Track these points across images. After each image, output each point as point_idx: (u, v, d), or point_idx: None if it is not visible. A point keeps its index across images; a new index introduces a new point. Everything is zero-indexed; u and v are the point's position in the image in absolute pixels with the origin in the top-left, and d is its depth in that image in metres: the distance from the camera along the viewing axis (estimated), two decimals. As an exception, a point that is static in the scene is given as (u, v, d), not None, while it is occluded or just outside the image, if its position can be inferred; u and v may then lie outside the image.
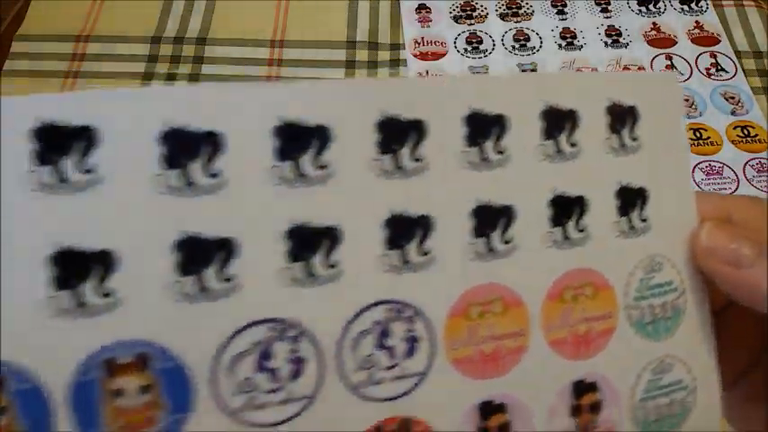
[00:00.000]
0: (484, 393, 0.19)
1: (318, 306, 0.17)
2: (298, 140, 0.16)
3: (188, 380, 0.16)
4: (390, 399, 0.18)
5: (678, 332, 0.22)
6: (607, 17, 0.50)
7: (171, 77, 0.46)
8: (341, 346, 0.17)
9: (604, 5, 0.51)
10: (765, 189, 0.48)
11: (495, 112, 0.18)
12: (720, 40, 0.56)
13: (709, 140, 0.51)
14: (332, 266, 0.17)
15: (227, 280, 0.16)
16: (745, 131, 0.52)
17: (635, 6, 0.55)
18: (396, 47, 0.48)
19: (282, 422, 0.17)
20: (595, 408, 0.20)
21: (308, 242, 0.17)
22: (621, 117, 0.21)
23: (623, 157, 0.21)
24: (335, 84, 0.19)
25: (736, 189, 0.48)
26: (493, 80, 0.21)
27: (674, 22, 0.56)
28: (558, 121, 0.19)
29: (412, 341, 0.18)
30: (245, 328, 0.16)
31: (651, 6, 0.57)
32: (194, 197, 0.16)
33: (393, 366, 0.18)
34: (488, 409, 0.19)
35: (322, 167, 0.17)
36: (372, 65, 0.47)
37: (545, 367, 0.19)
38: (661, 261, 0.22)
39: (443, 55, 0.47)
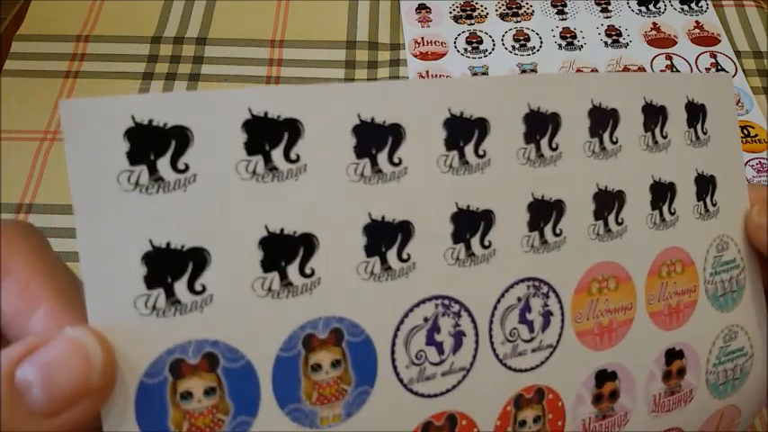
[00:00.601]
0: (599, 363, 0.22)
1: (475, 284, 0.19)
2: (464, 131, 0.19)
3: (372, 352, 0.18)
4: (530, 369, 0.20)
5: (741, 303, 0.27)
6: (607, 17, 0.54)
7: (171, 77, 0.46)
8: (492, 319, 0.19)
9: (604, 5, 0.55)
10: None
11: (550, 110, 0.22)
12: (720, 40, 0.58)
13: None
14: (486, 247, 0.19)
15: (405, 260, 0.18)
16: (745, 131, 0.53)
17: (635, 6, 0.58)
18: (396, 47, 0.51)
19: (443, 393, 0.19)
20: (681, 373, 0.24)
21: (469, 224, 0.19)
22: (697, 112, 0.25)
23: (701, 147, 0.25)
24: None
25: None
26: (547, 78, 0.24)
27: (674, 22, 0.58)
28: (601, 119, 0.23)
29: (547, 315, 0.20)
30: (418, 304, 0.18)
31: (651, 6, 0.59)
32: (380, 184, 0.18)
33: (532, 339, 0.20)
34: (603, 377, 0.22)
35: (480, 156, 0.19)
36: (372, 65, 0.49)
37: (646, 338, 0.23)
38: (727, 241, 0.26)
39: (443, 55, 0.50)
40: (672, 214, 0.24)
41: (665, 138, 0.24)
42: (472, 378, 0.20)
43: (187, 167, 0.17)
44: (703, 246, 0.25)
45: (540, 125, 0.21)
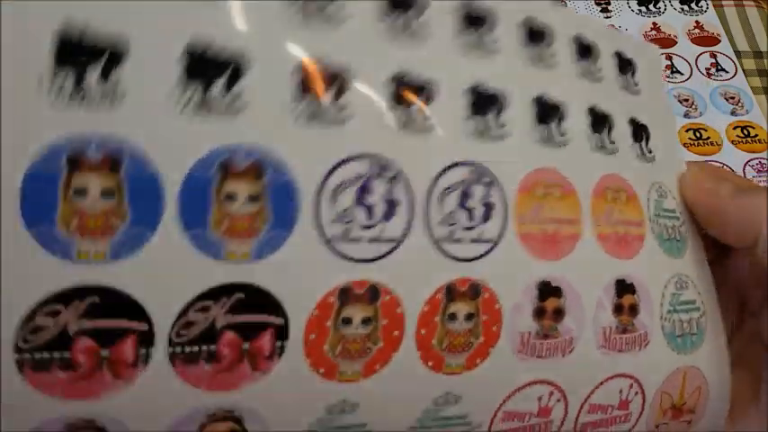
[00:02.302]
0: (543, 273, 0.22)
1: (414, 153, 0.20)
2: None
3: (295, 198, 0.18)
4: (466, 260, 0.21)
5: (686, 256, 0.28)
6: (607, 17, 0.57)
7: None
8: (429, 195, 0.20)
9: (604, 5, 0.58)
10: None
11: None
12: (720, 40, 0.62)
13: (708, 140, 0.56)
14: (427, 118, 0.20)
15: (342, 109, 0.19)
16: (745, 131, 0.57)
17: (635, 6, 0.62)
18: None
19: (369, 260, 0.19)
20: (633, 310, 0.24)
21: (411, 89, 0.20)
22: (626, 64, 0.28)
23: (633, 96, 0.28)
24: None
25: None
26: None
27: (674, 22, 0.62)
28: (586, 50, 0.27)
29: (489, 207, 0.21)
30: (351, 158, 0.19)
31: (651, 6, 0.63)
32: (320, 24, 0.19)
33: (472, 228, 0.21)
34: (546, 289, 0.23)
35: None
36: None
37: (594, 259, 0.24)
38: (665, 190, 0.28)
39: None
40: (612, 143, 0.26)
41: (599, 71, 0.26)
42: (403, 252, 0.21)
43: None
44: (644, 185, 0.27)
45: (477, 20, 0.23)
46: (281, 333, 0.20)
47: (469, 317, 0.22)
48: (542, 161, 0.24)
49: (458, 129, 0.22)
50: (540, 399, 0.25)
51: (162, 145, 0.18)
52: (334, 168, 0.20)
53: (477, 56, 0.23)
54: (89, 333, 0.18)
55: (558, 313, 0.24)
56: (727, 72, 0.60)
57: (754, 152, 0.56)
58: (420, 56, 0.22)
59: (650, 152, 0.28)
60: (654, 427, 0.27)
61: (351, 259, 0.20)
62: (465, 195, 0.22)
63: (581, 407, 0.25)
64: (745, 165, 0.55)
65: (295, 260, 0.20)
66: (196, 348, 0.19)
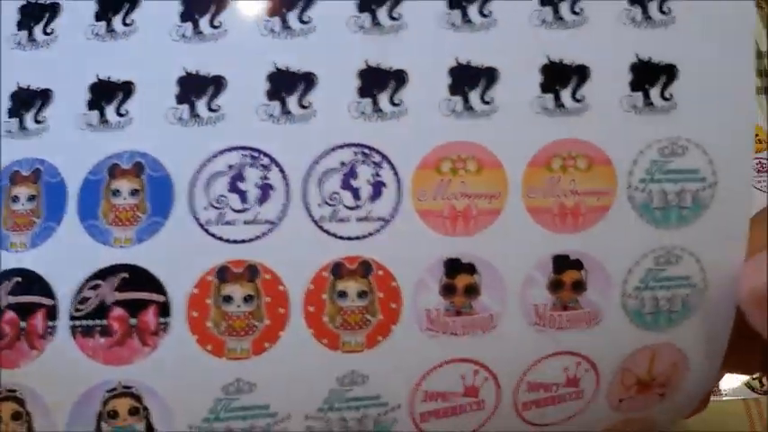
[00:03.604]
0: (451, 250, 0.23)
1: (289, 141, 0.23)
2: None
3: (170, 189, 0.23)
4: (353, 238, 0.23)
5: (696, 224, 0.26)
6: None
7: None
8: (307, 179, 0.23)
9: None
10: (765, 189, 0.54)
11: None
12: None
13: None
14: (305, 107, 0.23)
15: (214, 110, 0.23)
16: None
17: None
18: None
19: (246, 241, 0.23)
20: (578, 286, 0.24)
21: (286, 83, 0.23)
22: None
23: (641, 29, 0.26)
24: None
25: None
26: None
27: None
28: None
29: (378, 186, 0.23)
30: (223, 151, 0.23)
31: None
32: (200, 42, 0.23)
33: (357, 207, 0.23)
34: (455, 266, 0.24)
35: (305, 22, 0.23)
36: None
37: (522, 234, 0.24)
38: (686, 145, 0.25)
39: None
40: (577, 101, 0.25)
41: (576, 13, 0.26)
42: (279, 232, 0.24)
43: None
44: (633, 145, 0.25)
45: None
46: (164, 310, 0.24)
47: (362, 294, 0.25)
48: (454, 135, 0.25)
49: (342, 113, 0.25)
50: (463, 377, 0.25)
51: (69, 157, 0.24)
52: (207, 161, 0.24)
53: (377, 33, 0.25)
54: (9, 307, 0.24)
55: (472, 290, 0.25)
56: None
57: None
58: (302, 46, 0.25)
59: (667, 99, 0.25)
60: (618, 402, 0.26)
61: (227, 241, 0.24)
62: (349, 176, 0.25)
63: (517, 385, 0.25)
64: None
65: (172, 243, 0.24)
66: (91, 322, 0.24)
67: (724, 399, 0.48)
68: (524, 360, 0.25)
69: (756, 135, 0.57)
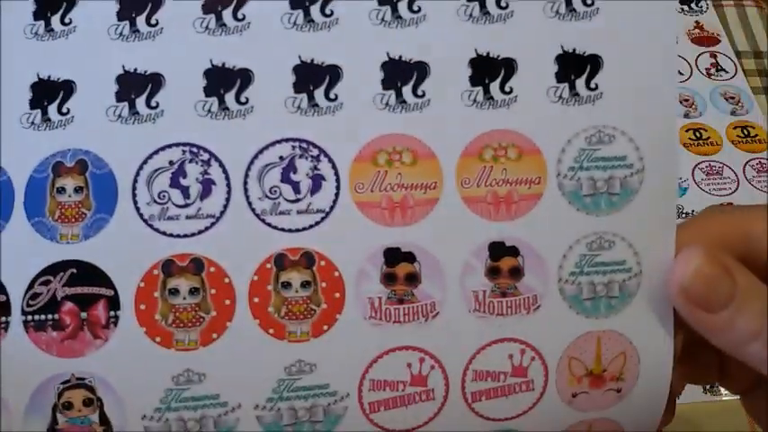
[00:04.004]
0: (390, 240, 0.25)
1: (228, 137, 0.24)
2: None
3: (114, 186, 0.24)
4: (294, 230, 0.25)
5: (626, 210, 0.27)
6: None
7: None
8: (247, 174, 0.24)
9: None
10: (765, 189, 0.58)
11: None
12: (720, 40, 0.68)
13: (709, 140, 0.61)
14: (242, 103, 0.24)
15: (153, 107, 0.24)
16: (745, 131, 0.62)
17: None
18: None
19: (189, 235, 0.24)
20: (515, 273, 0.25)
21: (223, 80, 0.24)
22: None
23: (567, 21, 0.27)
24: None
25: (737, 189, 0.59)
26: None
27: None
28: None
29: (318, 179, 0.24)
30: (162, 148, 0.24)
31: None
32: (136, 41, 0.24)
33: (298, 200, 0.24)
34: (395, 255, 0.25)
35: (239, 20, 0.24)
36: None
37: (459, 223, 0.25)
38: (612, 134, 0.27)
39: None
40: (506, 93, 0.27)
41: (503, 8, 0.27)
42: (222, 226, 0.26)
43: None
44: (561, 134, 0.27)
45: None
46: (114, 304, 0.25)
47: (306, 284, 0.26)
48: (388, 127, 0.26)
49: (278, 108, 0.26)
50: (409, 366, 0.27)
51: (14, 156, 0.25)
52: (148, 158, 0.26)
53: (308, 30, 0.27)
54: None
55: (412, 278, 0.26)
56: (727, 72, 0.66)
57: (754, 152, 0.61)
58: (238, 44, 0.26)
59: (593, 89, 0.27)
60: (571, 396, 0.28)
61: (170, 235, 0.26)
62: (288, 170, 0.26)
63: (463, 374, 0.27)
64: (745, 165, 0.60)
65: (116, 239, 0.25)
66: (43, 317, 0.25)
67: (724, 399, 0.49)
68: (468, 347, 0.27)
69: (756, 135, 0.61)
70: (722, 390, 0.49)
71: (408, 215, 0.27)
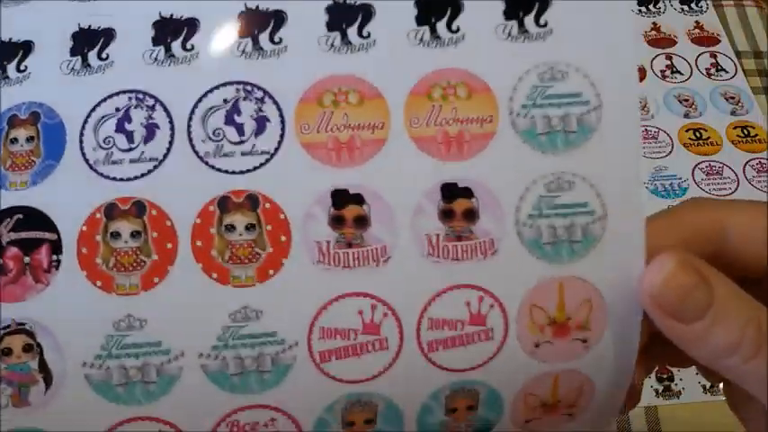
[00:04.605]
0: (336, 181, 0.25)
1: (173, 82, 0.25)
2: None
3: (61, 133, 0.25)
4: (238, 172, 0.25)
5: (585, 148, 0.27)
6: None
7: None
8: (191, 117, 0.25)
9: None
10: (765, 189, 0.59)
11: None
12: (720, 40, 0.70)
13: (709, 140, 0.63)
14: (188, 50, 0.25)
15: (104, 59, 0.25)
16: (745, 131, 0.64)
17: (635, 6, 0.68)
18: None
19: (133, 178, 0.25)
20: (470, 215, 0.25)
21: (170, 29, 0.26)
22: None
23: None
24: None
25: (736, 189, 0.60)
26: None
27: (674, 22, 0.70)
28: None
29: (262, 121, 0.25)
30: (110, 96, 0.25)
31: (651, 6, 0.71)
32: None
33: (242, 142, 0.25)
34: (342, 197, 0.26)
35: None
36: None
37: (408, 163, 0.26)
38: (564, 70, 0.27)
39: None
40: (453, 32, 0.27)
41: None
42: (165, 169, 0.26)
43: None
44: (511, 71, 0.27)
45: None
46: (56, 248, 0.26)
47: (250, 227, 0.26)
48: (331, 69, 0.27)
49: (224, 53, 0.27)
50: (361, 313, 0.27)
51: None
52: (96, 106, 0.27)
53: None
54: None
55: (361, 221, 0.26)
56: (727, 72, 0.68)
57: (754, 152, 0.62)
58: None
59: (542, 25, 0.27)
60: (533, 346, 0.27)
61: (114, 179, 0.26)
62: (232, 112, 0.27)
63: (418, 322, 0.26)
64: (745, 165, 0.62)
65: (62, 184, 0.26)
66: (-13, 263, 0.26)
67: (724, 399, 0.47)
68: (422, 293, 0.27)
69: (756, 135, 0.63)
70: (722, 390, 0.46)
71: (356, 156, 0.27)
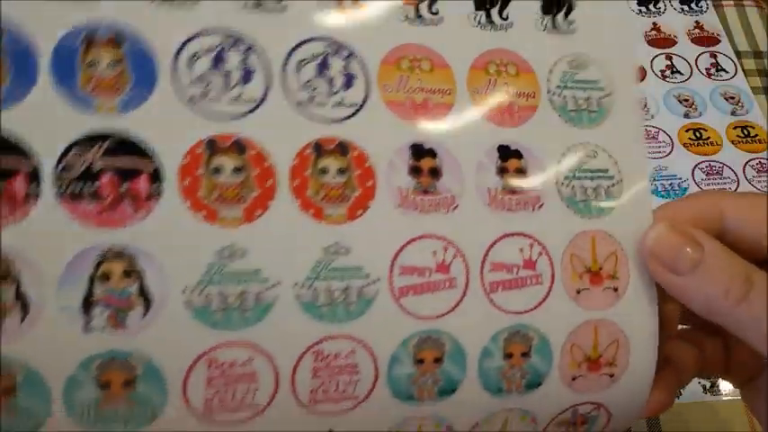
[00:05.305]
0: (415, 136, 0.29)
1: (266, 29, 0.28)
2: None
3: (152, 63, 0.26)
4: (331, 121, 0.28)
5: (604, 126, 0.34)
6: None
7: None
8: (285, 65, 0.28)
9: None
10: (765, 189, 0.62)
11: None
12: (720, 40, 0.72)
13: (709, 140, 0.65)
14: (278, 1, 0.28)
15: None
16: (745, 131, 0.66)
17: (635, 6, 0.72)
18: None
19: (231, 119, 0.27)
20: (521, 173, 0.30)
21: None
22: None
23: None
24: None
25: (736, 189, 0.62)
26: None
27: (674, 22, 0.72)
28: None
29: (349, 77, 0.28)
30: (199, 34, 0.27)
31: (651, 6, 0.73)
32: None
33: (333, 94, 0.28)
34: (420, 151, 0.30)
35: None
36: None
37: (473, 126, 0.31)
38: (586, 60, 0.34)
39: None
40: (504, 19, 0.32)
41: None
42: (264, 112, 0.28)
43: None
44: (548, 57, 0.33)
45: None
46: (156, 177, 0.27)
47: (342, 171, 0.29)
48: (407, 38, 0.31)
49: (311, 8, 0.30)
50: (434, 253, 0.30)
51: (36, 20, 0.26)
52: (188, 41, 0.28)
53: None
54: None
55: (435, 172, 0.30)
56: (727, 72, 0.70)
57: (754, 152, 0.65)
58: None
59: (570, 23, 0.34)
60: (575, 292, 0.32)
61: (212, 116, 0.28)
62: (323, 66, 0.30)
63: (482, 264, 0.31)
64: (745, 165, 0.64)
65: (159, 115, 0.27)
66: (78, 188, 0.26)
67: (724, 399, 0.51)
68: (485, 239, 0.31)
69: (756, 135, 0.66)
70: (722, 390, 0.52)
71: (429, 116, 0.31)
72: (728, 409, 0.51)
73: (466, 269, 0.31)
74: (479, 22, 0.33)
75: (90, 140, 0.26)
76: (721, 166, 0.64)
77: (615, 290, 0.33)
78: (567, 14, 0.34)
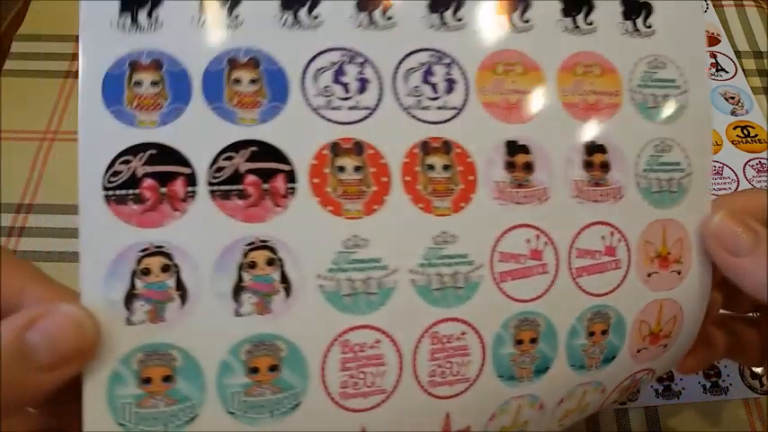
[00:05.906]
0: (509, 134, 0.34)
1: (378, 45, 0.32)
2: None
3: (284, 79, 0.31)
4: (435, 122, 0.33)
5: (678, 122, 0.37)
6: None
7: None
8: (395, 75, 0.32)
9: None
10: (765, 189, 0.68)
11: None
12: (720, 40, 0.75)
13: None
14: (389, 18, 0.33)
15: (315, 17, 0.32)
16: (745, 131, 0.68)
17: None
18: None
19: (351, 123, 0.31)
20: (605, 167, 0.35)
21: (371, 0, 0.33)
22: None
23: None
24: None
25: (736, 189, 0.65)
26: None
27: None
28: None
29: (450, 82, 0.33)
30: (325, 51, 0.32)
31: None
32: None
33: (436, 98, 0.33)
34: (514, 147, 0.34)
35: None
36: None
37: (560, 123, 0.35)
38: (664, 61, 0.38)
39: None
40: (589, 24, 0.37)
41: None
42: (376, 117, 0.33)
43: None
44: (629, 58, 0.38)
45: None
46: (291, 177, 0.32)
47: (446, 167, 0.34)
48: (502, 45, 0.36)
49: (417, 24, 0.35)
50: (528, 241, 0.35)
51: (187, 50, 0.32)
52: (313, 58, 0.33)
53: None
54: (151, 175, 0.30)
55: (528, 167, 0.35)
56: (727, 72, 0.72)
57: (754, 152, 0.67)
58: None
59: (648, 27, 0.38)
60: (647, 276, 0.36)
61: (335, 122, 0.33)
62: (427, 74, 0.34)
63: (569, 251, 0.35)
64: (745, 165, 0.66)
65: (292, 123, 0.32)
66: (227, 187, 0.31)
67: (724, 399, 0.54)
68: (572, 227, 0.36)
69: (756, 135, 0.69)
70: (722, 390, 0.55)
71: (523, 115, 0.36)
72: (728, 409, 0.54)
73: (556, 255, 0.36)
74: (566, 28, 0.37)
75: (236, 148, 0.32)
76: (721, 166, 0.66)
77: (679, 273, 0.38)
78: (645, 18, 0.38)
